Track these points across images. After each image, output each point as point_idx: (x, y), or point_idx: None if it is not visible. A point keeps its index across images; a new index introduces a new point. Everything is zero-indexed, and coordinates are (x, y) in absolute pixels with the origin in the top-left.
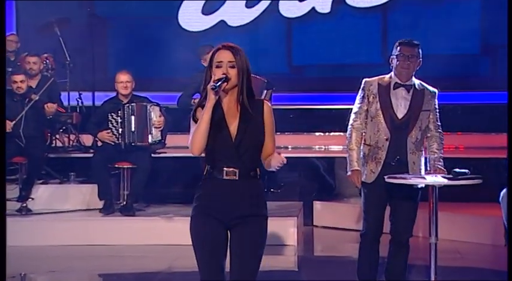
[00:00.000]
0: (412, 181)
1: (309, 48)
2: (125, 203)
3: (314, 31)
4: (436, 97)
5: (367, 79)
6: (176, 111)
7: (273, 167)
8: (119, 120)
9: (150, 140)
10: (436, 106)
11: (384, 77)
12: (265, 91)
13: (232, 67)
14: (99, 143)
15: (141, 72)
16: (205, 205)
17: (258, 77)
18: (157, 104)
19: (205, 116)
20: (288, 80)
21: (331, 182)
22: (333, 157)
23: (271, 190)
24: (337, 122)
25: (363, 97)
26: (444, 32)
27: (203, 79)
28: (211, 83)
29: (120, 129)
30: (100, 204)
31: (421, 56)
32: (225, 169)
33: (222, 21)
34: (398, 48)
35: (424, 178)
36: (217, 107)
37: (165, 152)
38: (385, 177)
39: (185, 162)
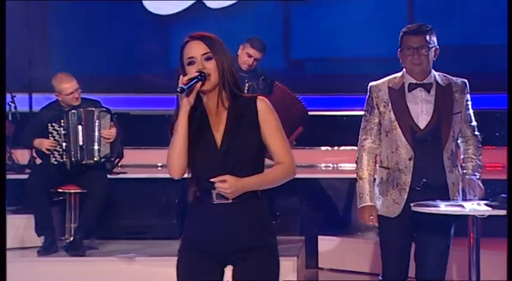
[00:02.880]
0: (446, 209)
1: (312, 38)
2: (71, 239)
3: (319, 16)
4: (468, 90)
5: (373, 83)
6: (140, 120)
7: None
8: (62, 132)
9: (95, 157)
10: (469, 102)
11: (394, 78)
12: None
13: (209, 59)
14: (38, 161)
15: (92, 69)
16: (195, 238)
17: (294, 95)
18: (108, 110)
19: (179, 127)
20: (285, 77)
21: (341, 212)
22: (344, 178)
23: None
24: (350, 132)
25: (372, 107)
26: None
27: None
28: (179, 85)
29: (64, 144)
30: (39, 241)
31: (435, 43)
32: (214, 190)
33: (200, 2)
34: (403, 39)
35: (461, 206)
36: (200, 110)
37: (125, 173)
38: (412, 204)
39: (151, 185)
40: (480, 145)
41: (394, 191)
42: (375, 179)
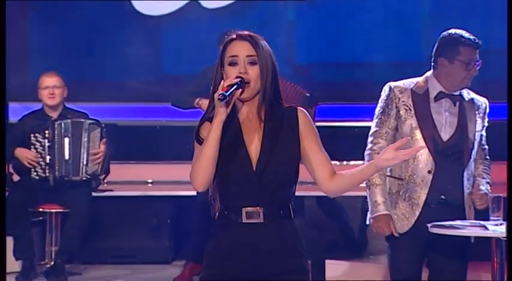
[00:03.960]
0: (471, 231)
1: (319, 41)
2: (52, 263)
3: (326, 16)
4: (488, 110)
5: (393, 83)
6: (128, 132)
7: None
8: (46, 144)
9: (82, 174)
10: (486, 124)
11: (418, 82)
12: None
13: (253, 63)
14: (15, 177)
15: (77, 75)
16: (220, 261)
17: (297, 87)
18: (98, 123)
19: (211, 135)
20: None
21: (351, 233)
22: (354, 195)
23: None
24: (361, 145)
25: (391, 109)
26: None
27: (212, 80)
28: (219, 91)
29: (48, 157)
30: (16, 265)
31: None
32: (244, 208)
33: (194, 1)
34: (458, 49)
35: (484, 227)
36: (232, 120)
37: (112, 190)
38: (429, 225)
39: (141, 203)
40: (489, 167)
41: (404, 204)
42: None
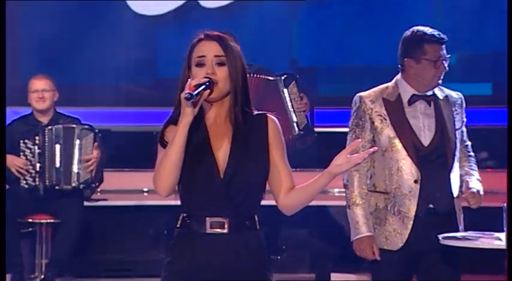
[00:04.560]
0: (486, 243)
1: (323, 42)
2: (42, 277)
3: (331, 15)
4: (464, 105)
5: (363, 93)
6: (123, 138)
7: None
8: (36, 151)
9: (73, 182)
10: (465, 119)
11: (386, 88)
12: (284, 90)
13: (221, 64)
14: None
15: (69, 78)
16: (181, 272)
17: (257, 75)
18: (91, 128)
19: (177, 138)
20: None
21: None
22: None
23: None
24: None
25: (364, 121)
26: None
27: (179, 82)
28: (186, 90)
29: (38, 165)
30: (5, 279)
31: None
32: (208, 218)
33: (192, 1)
34: (423, 47)
35: (498, 238)
36: (198, 123)
37: (106, 199)
38: (440, 237)
39: (136, 213)
40: (476, 166)
41: (395, 219)
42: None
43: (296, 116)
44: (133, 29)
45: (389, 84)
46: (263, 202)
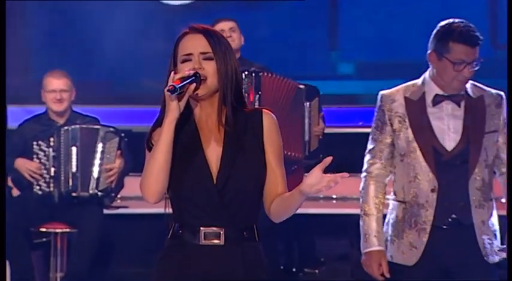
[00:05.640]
0: None
1: (363, 37)
2: None
3: (370, 10)
4: (505, 104)
5: (384, 92)
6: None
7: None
8: (51, 153)
9: (91, 189)
10: (503, 121)
11: (411, 85)
12: (306, 104)
13: (208, 59)
14: (15, 192)
15: (83, 75)
16: None
17: (286, 79)
18: (116, 131)
19: (163, 137)
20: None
21: None
22: None
23: (305, 270)
24: None
25: (383, 123)
26: None
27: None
28: (170, 83)
29: (53, 169)
30: None
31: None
32: (202, 228)
33: None
34: (447, 44)
35: None
36: (188, 125)
37: (127, 206)
38: (497, 249)
39: (158, 222)
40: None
41: (411, 232)
42: (384, 216)
43: (309, 136)
44: (153, 20)
45: (417, 81)
46: (298, 211)
